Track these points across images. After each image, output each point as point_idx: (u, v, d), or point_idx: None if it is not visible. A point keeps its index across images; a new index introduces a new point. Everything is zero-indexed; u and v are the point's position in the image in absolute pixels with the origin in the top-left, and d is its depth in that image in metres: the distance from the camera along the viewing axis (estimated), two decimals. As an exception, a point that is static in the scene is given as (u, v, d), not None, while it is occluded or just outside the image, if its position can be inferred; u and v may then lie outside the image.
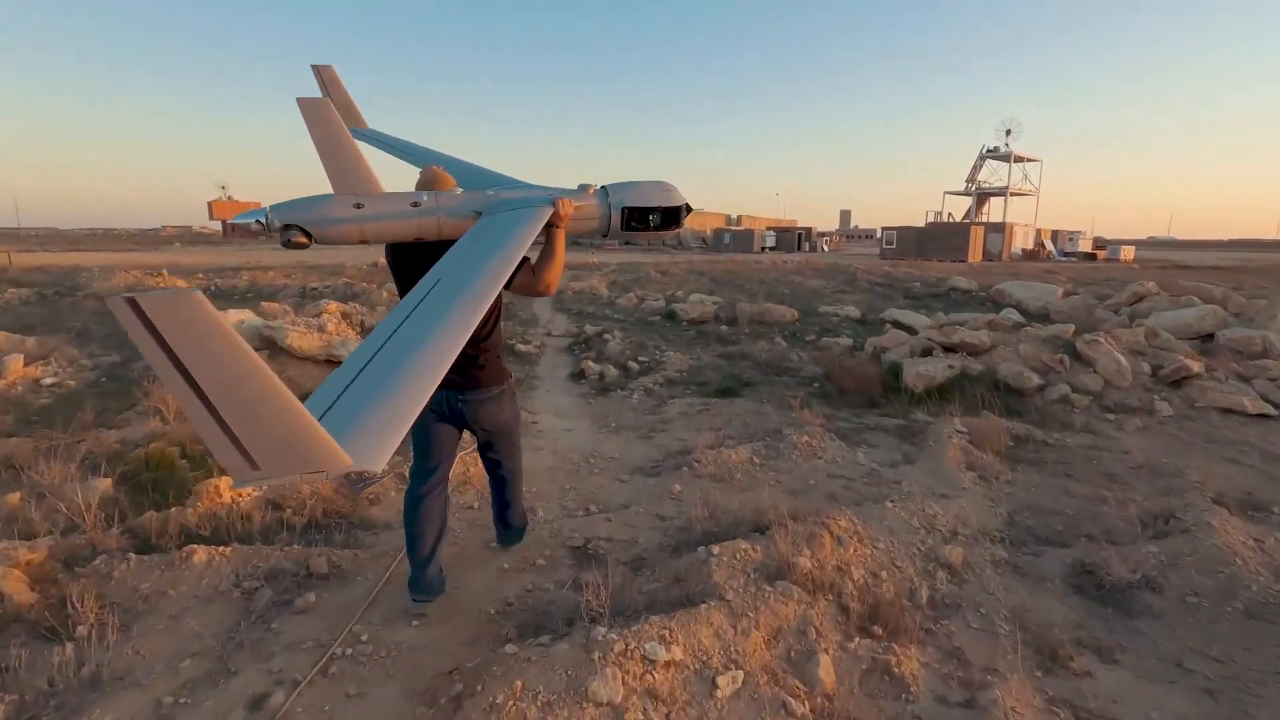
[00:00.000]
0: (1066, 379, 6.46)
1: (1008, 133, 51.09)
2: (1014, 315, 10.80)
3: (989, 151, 51.94)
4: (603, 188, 2.61)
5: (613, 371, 7.42)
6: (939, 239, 42.92)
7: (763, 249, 53.26)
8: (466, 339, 1.58)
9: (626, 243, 63.11)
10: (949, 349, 7.23)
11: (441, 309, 1.64)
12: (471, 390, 2.63)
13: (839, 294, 15.15)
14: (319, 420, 1.09)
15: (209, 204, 78.06)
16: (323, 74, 3.37)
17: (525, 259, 2.38)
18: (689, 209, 2.67)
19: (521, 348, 8.63)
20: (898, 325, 10.32)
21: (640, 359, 8.10)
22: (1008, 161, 51.74)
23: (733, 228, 62.79)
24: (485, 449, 2.94)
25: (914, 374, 6.54)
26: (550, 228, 2.45)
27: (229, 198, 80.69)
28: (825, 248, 60.77)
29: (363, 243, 2.37)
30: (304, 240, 2.23)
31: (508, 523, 3.17)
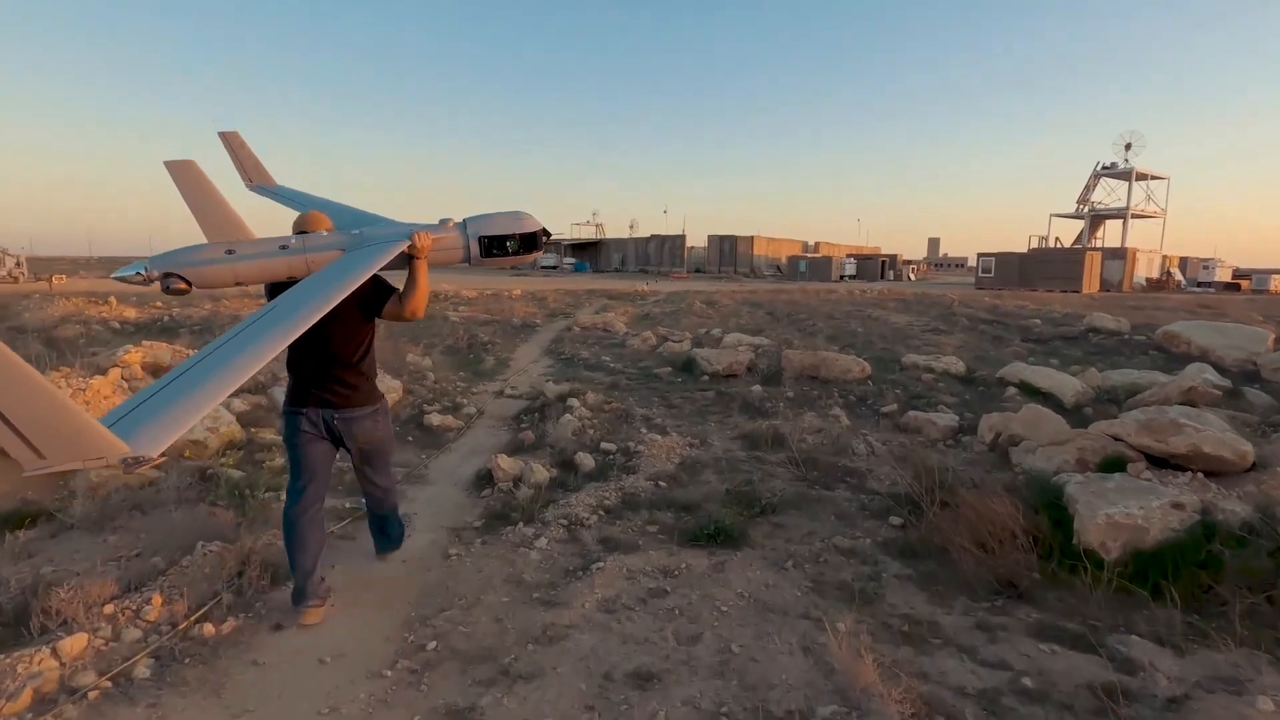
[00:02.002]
0: None
1: (1127, 147, 45.06)
2: (1210, 374, 7.03)
3: (1105, 169, 45.97)
4: (462, 221, 2.82)
5: (538, 476, 4.37)
6: (1046, 266, 37.61)
7: (841, 277, 49.23)
8: (271, 357, 1.91)
9: (697, 270, 60.75)
10: (1160, 461, 3.79)
11: (256, 332, 1.98)
12: (346, 409, 2.78)
13: (932, 334, 11.55)
14: (125, 414, 1.54)
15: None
16: (229, 139, 3.63)
17: (394, 289, 2.79)
18: (547, 234, 2.89)
19: (439, 419, 5.73)
20: (1028, 389, 6.77)
21: (605, 446, 5.04)
22: (1127, 180, 45.58)
23: (809, 255, 58.80)
24: (360, 466, 2.99)
25: (1101, 523, 3.17)
26: (412, 260, 2.67)
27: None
28: (911, 276, 55.91)
29: (238, 284, 2.67)
30: (184, 286, 2.52)
31: (386, 533, 3.25)
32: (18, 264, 33.64)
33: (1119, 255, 39.99)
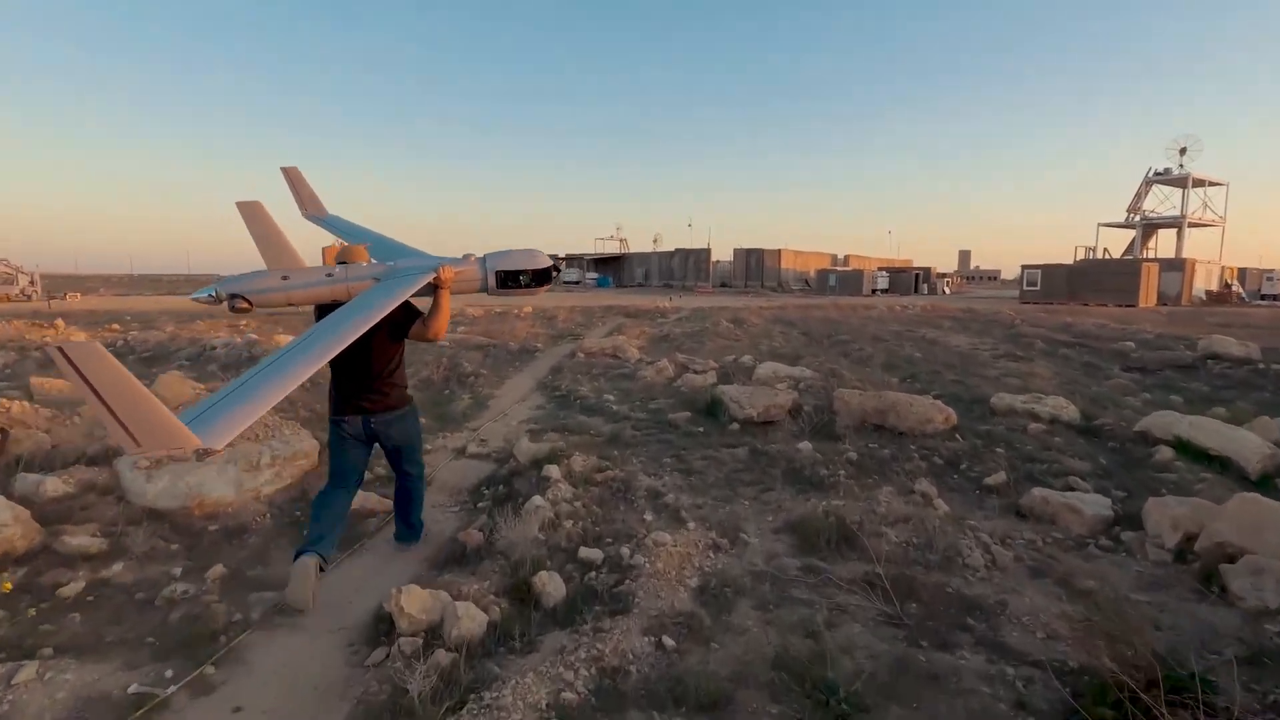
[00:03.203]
0: None
1: (1182, 151, 42.31)
2: None
3: (1158, 175, 43.22)
4: (482, 256, 3.30)
5: (467, 625, 2.66)
6: (1098, 279, 35.05)
7: (873, 291, 47.05)
8: (321, 365, 2.43)
9: (722, 285, 58.79)
10: None
11: (306, 346, 2.47)
12: (380, 413, 3.24)
13: (1008, 360, 9.60)
14: (198, 414, 1.97)
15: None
16: (289, 174, 4.14)
17: (419, 312, 3.21)
18: (558, 269, 3.73)
19: (358, 498, 4.05)
20: (1189, 450, 4.87)
21: (587, 555, 3.33)
22: (1182, 186, 42.76)
23: (839, 268, 56.60)
24: (394, 460, 3.49)
25: None
26: (437, 289, 3.13)
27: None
28: (946, 290, 53.43)
29: (289, 305, 3.23)
30: (246, 306, 2.99)
31: (409, 522, 3.63)
32: (31, 282, 33.13)
33: (1177, 266, 37.18)
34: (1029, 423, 5.76)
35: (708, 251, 59.51)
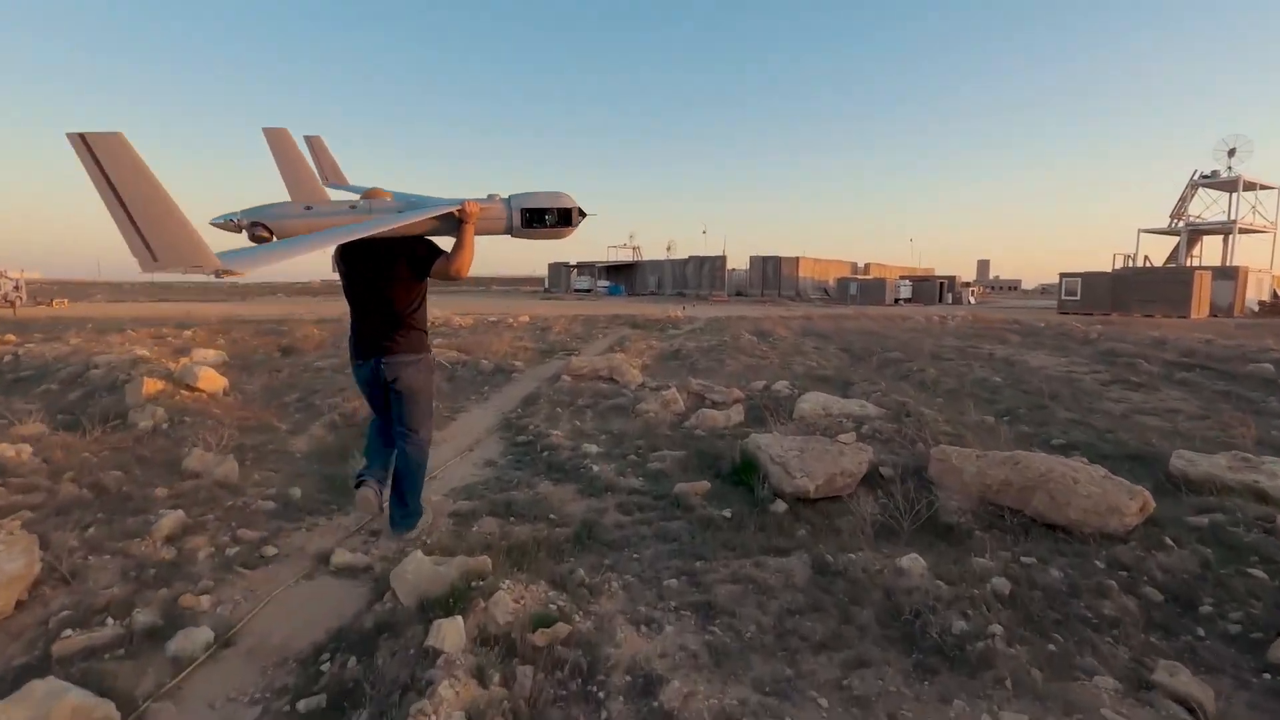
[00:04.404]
0: None
1: (1231, 153, 39.61)
2: None
3: (1204, 178, 40.50)
4: (507, 196, 3.10)
5: None
6: (1145, 287, 32.47)
7: (896, 300, 44.77)
8: (340, 241, 2.66)
9: (738, 293, 56.48)
10: None
11: (332, 232, 2.67)
12: (392, 355, 3.10)
13: (1122, 388, 7.34)
14: (226, 254, 2.01)
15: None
16: (312, 142, 3.93)
17: (442, 250, 3.09)
18: (582, 213, 3.18)
19: (74, 704, 1.95)
20: None
21: None
22: (1232, 190, 40.01)
23: (859, 276, 54.19)
24: (396, 411, 3.20)
25: None
26: (461, 224, 2.95)
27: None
28: (971, 299, 50.94)
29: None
30: (265, 234, 2.79)
31: (404, 500, 3.24)
32: (16, 287, 31.69)
33: (1229, 275, 34.45)
34: (1253, 505, 3.56)
35: (723, 259, 57.34)
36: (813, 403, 5.78)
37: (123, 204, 1.55)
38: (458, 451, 5.03)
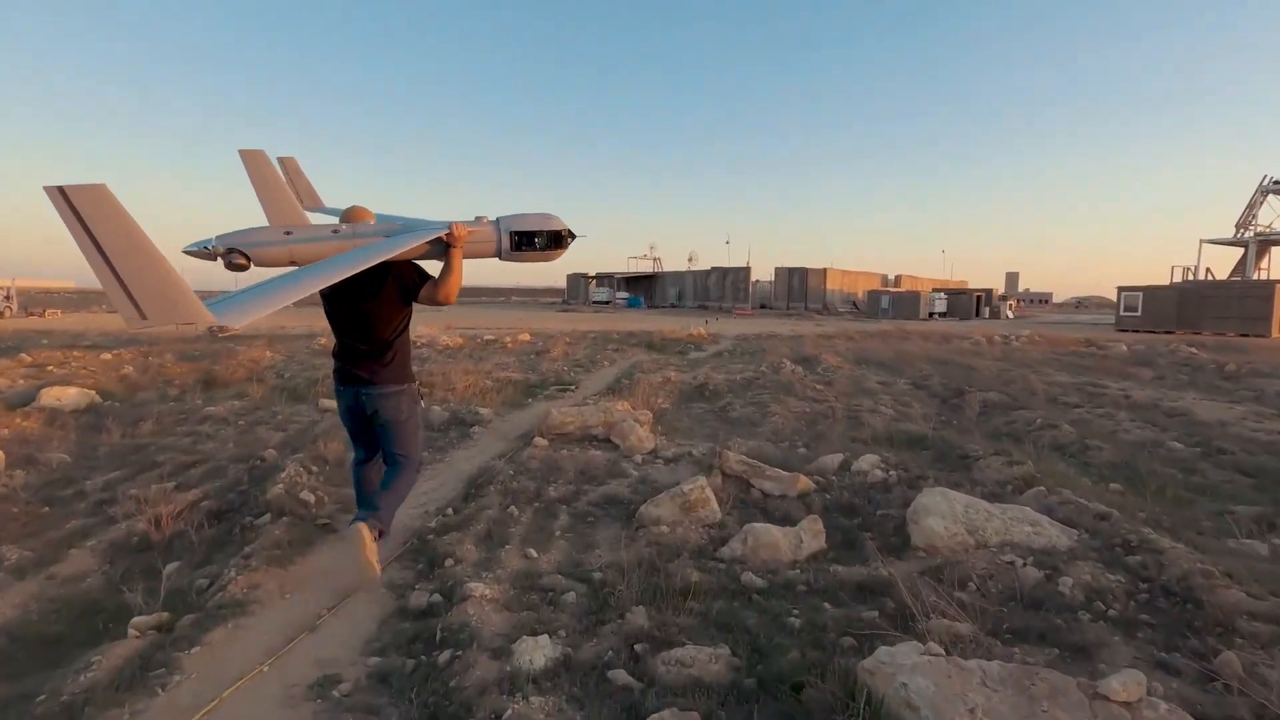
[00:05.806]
0: None
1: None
2: None
3: (1276, 183, 37.21)
4: (496, 218, 3.06)
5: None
6: (1217, 303, 29.35)
7: (930, 315, 42.00)
8: (328, 283, 2.36)
9: (762, 306, 53.63)
10: None
11: (319, 269, 2.43)
12: (374, 386, 2.98)
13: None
14: (219, 301, 1.83)
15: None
16: (286, 164, 3.85)
17: (429, 275, 2.98)
18: (572, 235, 3.12)
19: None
20: None
21: None
22: (1306, 196, 36.69)
23: (891, 289, 51.26)
24: (384, 442, 3.11)
25: None
26: (449, 249, 2.88)
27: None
28: (1009, 314, 47.91)
29: (293, 263, 2.81)
30: (243, 262, 2.69)
31: (377, 506, 3.03)
32: (6, 296, 30.12)
33: (1310, 289, 31.21)
34: None
35: (747, 270, 54.70)
36: (944, 515, 3.31)
37: (106, 259, 1.47)
38: (286, 625, 2.62)
